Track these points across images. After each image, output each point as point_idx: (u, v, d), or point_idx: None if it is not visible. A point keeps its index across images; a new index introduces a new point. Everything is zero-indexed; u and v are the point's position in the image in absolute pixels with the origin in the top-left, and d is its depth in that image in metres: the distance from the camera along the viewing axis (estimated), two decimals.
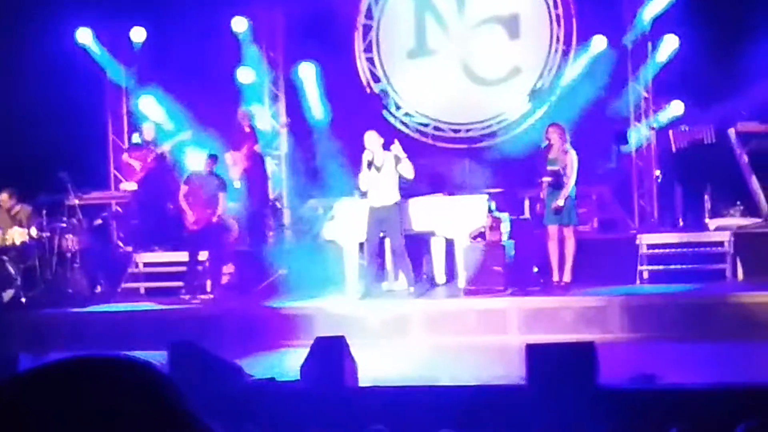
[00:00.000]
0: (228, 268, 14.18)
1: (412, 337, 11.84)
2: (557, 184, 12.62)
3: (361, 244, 12.99)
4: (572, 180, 12.60)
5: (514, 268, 12.62)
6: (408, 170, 12.62)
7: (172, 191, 14.82)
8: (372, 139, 12.77)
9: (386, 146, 12.81)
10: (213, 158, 14.08)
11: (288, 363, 9.52)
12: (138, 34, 16.13)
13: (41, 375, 1.39)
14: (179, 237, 14.21)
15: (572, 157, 12.68)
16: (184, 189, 13.91)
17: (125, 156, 15.88)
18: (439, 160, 15.76)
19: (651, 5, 14.82)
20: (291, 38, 16.45)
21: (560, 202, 12.58)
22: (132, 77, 16.41)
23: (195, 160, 14.59)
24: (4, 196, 13.91)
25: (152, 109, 15.91)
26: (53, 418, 1.33)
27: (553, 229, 12.78)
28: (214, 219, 13.74)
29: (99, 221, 15.18)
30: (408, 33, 16.42)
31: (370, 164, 12.63)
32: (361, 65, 16.58)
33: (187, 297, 13.53)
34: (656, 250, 13.54)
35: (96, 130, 16.50)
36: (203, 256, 13.95)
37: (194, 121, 15.44)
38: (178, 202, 14.02)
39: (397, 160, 12.64)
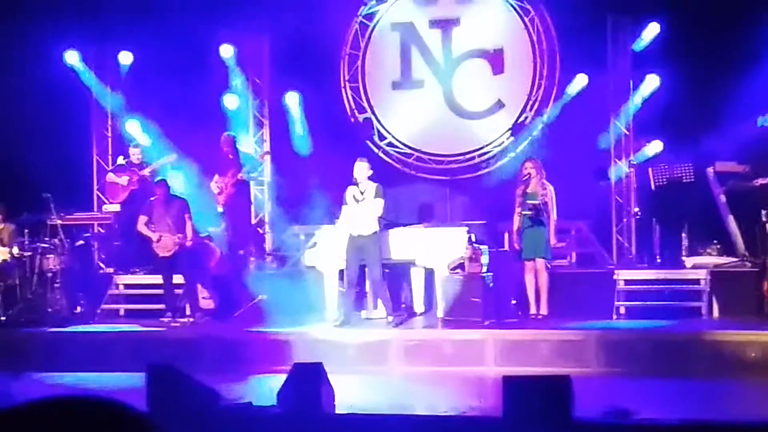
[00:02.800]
0: (203, 293, 14.17)
1: (389, 366, 11.88)
2: (536, 219, 12.79)
3: (342, 272, 13.06)
4: (554, 213, 12.84)
5: (493, 300, 12.70)
6: (378, 207, 12.73)
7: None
8: (362, 169, 12.85)
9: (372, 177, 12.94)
10: (162, 183, 13.94)
11: (265, 388, 9.55)
12: (125, 58, 16.24)
13: (20, 415, 1.40)
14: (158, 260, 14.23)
15: (551, 192, 12.90)
16: (143, 219, 13.77)
17: (110, 176, 15.92)
18: (421, 190, 15.90)
19: (633, 45, 15.03)
20: (276, 66, 16.56)
21: (554, 240, 12.90)
22: (118, 100, 16.48)
23: (178, 184, 14.66)
24: None
25: (138, 132, 15.98)
26: None
27: (530, 262, 12.94)
28: (188, 243, 13.66)
29: (81, 242, 15.18)
30: (393, 64, 16.56)
31: (353, 199, 12.75)
32: (346, 95, 16.70)
33: (167, 320, 13.56)
34: (633, 286, 13.69)
35: (81, 151, 16.56)
36: (178, 279, 13.94)
37: (179, 146, 15.51)
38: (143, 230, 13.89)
39: (377, 192, 12.74)
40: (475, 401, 9.55)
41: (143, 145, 15.86)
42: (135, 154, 15.72)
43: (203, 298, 14.15)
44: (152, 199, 13.98)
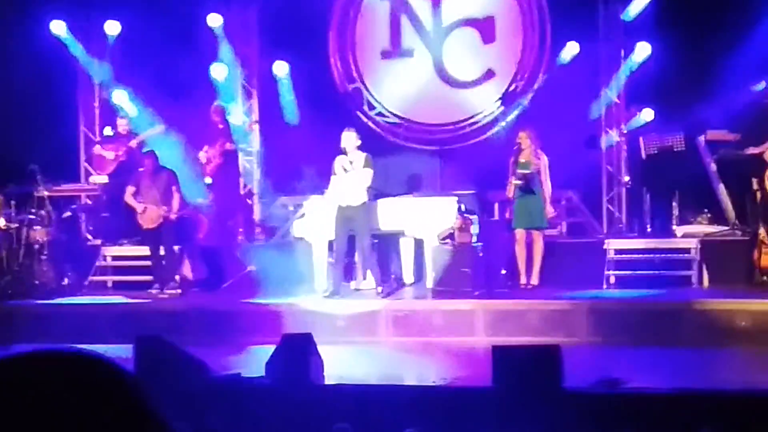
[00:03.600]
0: (187, 266, 14.11)
1: (378, 336, 11.86)
2: (527, 188, 12.75)
3: (331, 242, 13.01)
4: (548, 183, 12.80)
5: (483, 270, 12.66)
6: (367, 177, 12.67)
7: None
8: (350, 139, 12.77)
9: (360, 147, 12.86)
10: (150, 154, 13.91)
11: (254, 359, 9.52)
12: (112, 28, 16.08)
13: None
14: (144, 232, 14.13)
15: (545, 161, 12.87)
16: (131, 190, 13.72)
17: (97, 147, 15.84)
18: (410, 160, 15.82)
19: (624, 13, 14.95)
20: (265, 35, 16.44)
21: (550, 209, 12.85)
22: (105, 70, 16.34)
23: (167, 155, 14.56)
24: None
25: (126, 102, 15.87)
26: (10, 416, 1.28)
27: (521, 232, 12.91)
28: (172, 216, 13.56)
29: (68, 213, 15.12)
30: (382, 33, 16.44)
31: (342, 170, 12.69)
32: (335, 64, 16.58)
33: (155, 292, 13.51)
34: (623, 256, 13.66)
35: (68, 122, 16.45)
36: (164, 251, 13.87)
37: (167, 116, 15.40)
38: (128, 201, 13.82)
39: (366, 162, 12.68)
40: (465, 371, 9.54)
41: (131, 116, 15.76)
42: (122, 125, 15.62)
43: (192, 270, 14.09)
44: (140, 170, 13.89)
